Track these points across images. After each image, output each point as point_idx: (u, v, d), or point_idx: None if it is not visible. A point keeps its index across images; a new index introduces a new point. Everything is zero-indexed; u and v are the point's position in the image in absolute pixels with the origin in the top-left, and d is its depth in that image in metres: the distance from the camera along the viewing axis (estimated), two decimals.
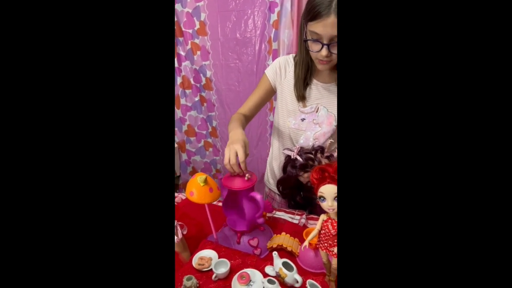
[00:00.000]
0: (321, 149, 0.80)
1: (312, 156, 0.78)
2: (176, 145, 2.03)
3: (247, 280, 0.60)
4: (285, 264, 0.61)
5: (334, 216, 0.57)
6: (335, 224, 0.56)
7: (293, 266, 0.61)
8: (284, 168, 0.82)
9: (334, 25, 0.65)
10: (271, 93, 0.92)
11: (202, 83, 1.81)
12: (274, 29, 1.55)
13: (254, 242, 0.74)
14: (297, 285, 0.60)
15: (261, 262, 0.68)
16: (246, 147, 0.69)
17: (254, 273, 0.63)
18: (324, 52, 0.70)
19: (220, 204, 0.90)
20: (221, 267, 0.64)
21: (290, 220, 0.88)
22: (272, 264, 0.64)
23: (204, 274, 0.64)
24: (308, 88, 0.86)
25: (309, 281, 0.60)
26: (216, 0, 1.59)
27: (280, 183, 0.85)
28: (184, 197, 1.01)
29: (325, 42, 0.69)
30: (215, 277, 0.62)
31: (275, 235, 0.78)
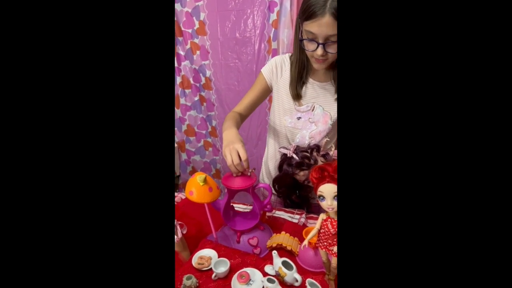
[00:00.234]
0: (317, 147, 0.80)
1: (308, 154, 0.78)
2: (175, 145, 2.03)
3: (247, 279, 0.60)
4: (284, 263, 0.61)
5: (333, 215, 0.57)
6: (335, 223, 0.56)
7: (292, 265, 0.62)
8: (280, 167, 0.82)
9: (329, 24, 0.65)
10: (267, 92, 0.92)
11: (202, 83, 1.81)
12: (273, 29, 1.55)
13: (253, 241, 0.74)
14: (296, 284, 0.60)
15: (260, 261, 0.68)
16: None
17: (253, 272, 0.63)
18: (319, 51, 0.71)
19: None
20: (221, 266, 0.64)
21: (289, 219, 0.88)
22: (271, 263, 0.64)
23: (204, 274, 0.64)
24: (304, 87, 0.86)
25: (308, 280, 0.60)
26: None
27: (276, 181, 0.86)
28: (183, 197, 1.01)
29: (320, 41, 0.69)
30: (215, 276, 0.62)
31: (274, 234, 0.78)
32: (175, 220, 0.68)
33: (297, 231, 0.78)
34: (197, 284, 0.61)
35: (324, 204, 0.56)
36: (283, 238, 0.74)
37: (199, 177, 0.67)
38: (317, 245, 0.61)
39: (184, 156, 2.10)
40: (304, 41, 0.73)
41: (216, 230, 0.77)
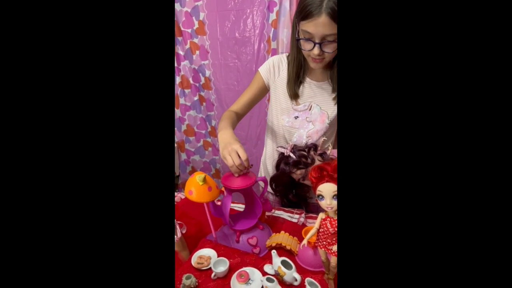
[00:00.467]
0: (314, 146, 0.80)
1: (305, 153, 0.78)
2: (175, 145, 2.03)
3: (246, 279, 0.60)
4: (284, 263, 0.61)
5: (332, 214, 0.57)
6: (334, 223, 0.57)
7: (292, 264, 0.62)
8: (278, 166, 0.82)
9: (325, 24, 0.66)
10: (265, 91, 0.93)
11: (201, 83, 1.81)
12: (273, 29, 1.55)
13: (253, 241, 0.74)
14: (295, 283, 0.61)
15: (260, 260, 0.68)
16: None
17: (253, 272, 0.63)
18: (316, 50, 0.71)
19: (219, 203, 0.90)
20: (220, 266, 0.64)
21: (289, 219, 0.88)
22: (271, 262, 0.64)
23: (203, 273, 0.64)
24: (301, 86, 0.87)
25: (307, 279, 0.61)
26: None
27: (273, 180, 0.86)
28: (183, 197, 1.01)
29: (317, 41, 0.69)
30: (214, 275, 0.62)
31: (274, 234, 0.78)
32: (175, 220, 0.68)
33: (297, 230, 0.78)
34: (197, 284, 0.61)
35: (323, 203, 0.56)
36: (282, 238, 0.74)
37: (198, 176, 0.67)
38: (316, 244, 0.61)
39: (183, 156, 2.10)
40: (301, 40, 0.73)
41: (216, 229, 0.77)
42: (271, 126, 0.96)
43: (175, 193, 1.03)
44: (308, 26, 0.68)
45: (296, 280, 0.60)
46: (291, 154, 0.78)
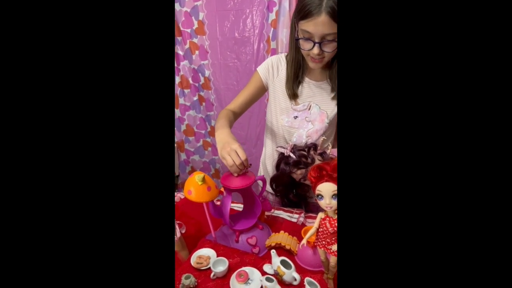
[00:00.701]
0: (314, 146, 0.80)
1: (305, 153, 0.79)
2: (175, 145, 2.03)
3: (245, 279, 0.60)
4: (283, 262, 0.61)
5: (331, 214, 0.57)
6: (333, 222, 0.57)
7: (291, 264, 0.62)
8: (278, 166, 0.83)
9: (325, 23, 0.66)
10: (263, 91, 0.92)
11: (201, 83, 1.81)
12: (272, 28, 1.55)
13: (252, 241, 0.74)
14: (295, 283, 0.61)
15: (259, 260, 0.68)
16: None
17: (252, 271, 0.63)
18: (315, 50, 0.71)
19: (219, 203, 0.90)
20: (220, 266, 0.64)
21: (288, 218, 0.88)
22: (270, 262, 0.64)
23: (203, 273, 0.64)
24: (300, 86, 0.87)
25: (307, 279, 0.61)
26: None
27: (273, 180, 0.86)
28: (182, 196, 1.01)
29: (316, 40, 0.69)
30: (214, 275, 0.62)
31: (273, 233, 0.78)
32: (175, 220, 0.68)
33: (296, 230, 0.78)
34: (196, 284, 0.61)
35: (322, 203, 0.56)
36: (282, 237, 0.74)
37: (197, 176, 0.67)
38: (315, 244, 0.61)
39: (183, 156, 2.10)
40: (300, 40, 0.73)
41: (215, 229, 0.77)
42: (270, 126, 0.96)
43: (175, 193, 1.03)
44: (308, 26, 0.68)
45: (295, 279, 0.60)
46: (291, 154, 0.78)
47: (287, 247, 0.72)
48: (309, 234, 0.61)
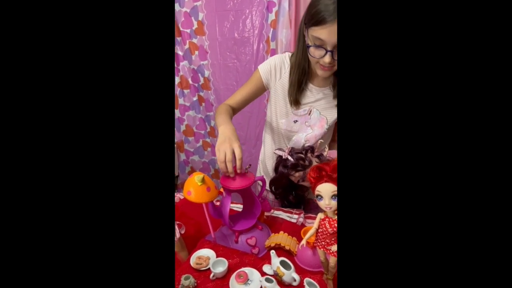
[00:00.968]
0: (311, 149, 0.81)
1: (302, 156, 0.79)
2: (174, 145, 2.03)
3: (245, 279, 0.60)
4: (282, 263, 0.61)
5: (331, 214, 0.57)
6: (332, 223, 0.57)
7: (290, 264, 0.62)
8: (276, 168, 0.83)
9: None
10: (262, 91, 0.90)
11: (200, 83, 1.81)
12: (272, 29, 1.55)
13: (252, 241, 0.74)
14: (294, 283, 0.61)
15: (259, 261, 0.68)
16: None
17: (252, 272, 0.63)
18: (327, 58, 0.69)
19: (218, 203, 0.90)
20: (219, 266, 0.64)
21: (288, 219, 0.88)
22: (270, 263, 0.64)
23: (202, 274, 0.64)
24: (302, 92, 0.85)
25: (306, 279, 0.61)
26: None
27: (272, 183, 0.86)
28: (182, 197, 1.01)
29: (329, 48, 0.67)
30: (213, 276, 0.62)
31: (273, 234, 0.78)
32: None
33: (296, 230, 0.78)
34: (195, 284, 0.61)
35: (322, 203, 0.56)
36: (281, 238, 0.74)
37: (197, 177, 0.66)
38: (315, 244, 0.61)
39: (182, 156, 2.09)
40: (311, 47, 0.70)
41: (214, 230, 0.77)
42: (270, 126, 0.96)
43: (174, 193, 1.03)
44: (321, 33, 0.66)
45: (295, 280, 0.60)
46: (289, 157, 0.79)
47: (287, 247, 0.72)
48: (309, 234, 0.61)
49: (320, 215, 0.59)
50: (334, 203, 0.55)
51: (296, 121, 0.89)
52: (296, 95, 0.84)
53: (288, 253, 0.72)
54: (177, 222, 0.72)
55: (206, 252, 0.69)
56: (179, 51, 1.75)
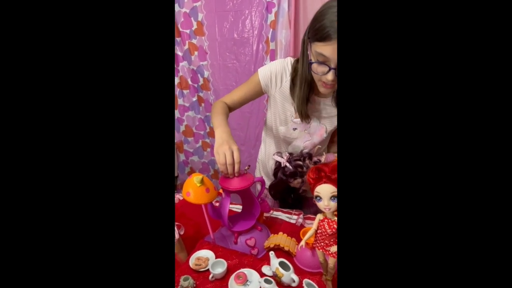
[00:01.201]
0: (309, 155, 0.81)
1: (301, 163, 0.80)
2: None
3: (244, 280, 0.60)
4: (281, 264, 0.61)
5: (330, 215, 0.57)
6: (331, 224, 0.57)
7: (289, 265, 0.62)
8: (275, 174, 0.84)
9: None
10: (259, 94, 0.89)
11: (200, 83, 1.81)
12: (271, 29, 1.55)
13: (251, 242, 0.74)
14: (293, 284, 0.60)
15: (258, 262, 0.68)
16: None
17: (251, 273, 0.63)
18: (330, 76, 0.66)
19: (218, 204, 0.90)
20: (218, 267, 0.64)
21: (287, 220, 0.88)
22: (269, 263, 0.64)
23: (201, 274, 0.64)
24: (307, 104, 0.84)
25: (305, 280, 0.61)
26: (214, 0, 1.59)
27: (271, 188, 0.87)
28: (181, 198, 1.01)
29: (332, 66, 0.65)
30: (212, 277, 0.62)
31: (272, 235, 0.78)
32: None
33: (295, 231, 0.78)
34: (194, 285, 0.61)
35: (320, 204, 0.56)
36: (280, 239, 0.74)
37: (196, 178, 0.66)
38: (314, 245, 0.61)
39: (182, 157, 2.09)
40: (314, 64, 0.68)
41: (214, 231, 0.77)
42: (270, 128, 0.96)
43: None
44: (325, 49, 0.63)
45: (294, 281, 0.60)
46: (287, 165, 0.79)
47: (286, 248, 0.72)
48: (308, 235, 0.61)
49: (319, 216, 0.59)
50: (333, 204, 0.55)
51: (295, 128, 0.88)
52: (305, 109, 0.81)
53: (287, 254, 0.72)
54: (176, 223, 0.72)
55: (205, 253, 0.69)
56: (178, 52, 1.75)
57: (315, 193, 0.56)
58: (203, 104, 1.87)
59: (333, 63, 0.64)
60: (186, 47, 1.72)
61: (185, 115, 1.93)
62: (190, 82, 1.83)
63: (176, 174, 2.13)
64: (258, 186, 1.08)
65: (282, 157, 0.81)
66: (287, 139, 0.91)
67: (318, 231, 0.60)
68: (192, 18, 1.65)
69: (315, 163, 0.80)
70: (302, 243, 0.62)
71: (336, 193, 0.54)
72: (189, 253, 0.71)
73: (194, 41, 1.71)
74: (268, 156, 1.01)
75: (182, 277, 0.60)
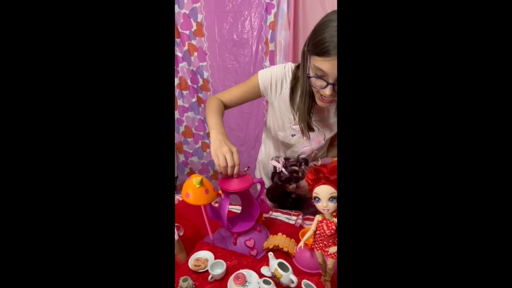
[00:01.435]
0: (305, 161, 0.82)
1: (296, 168, 0.80)
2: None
3: (243, 281, 0.60)
4: (280, 265, 0.62)
5: (329, 216, 0.57)
6: (330, 225, 0.57)
7: (288, 266, 0.62)
8: (272, 178, 0.85)
9: None
10: (257, 96, 0.88)
11: (199, 84, 1.81)
12: (271, 30, 1.55)
13: (250, 243, 0.74)
14: (292, 285, 0.61)
15: (257, 262, 0.68)
16: None
17: (250, 274, 0.63)
18: (327, 91, 0.66)
19: (217, 205, 0.90)
20: (217, 268, 0.64)
21: (286, 220, 0.89)
22: (268, 264, 0.64)
23: (200, 275, 0.64)
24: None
25: (304, 281, 0.61)
26: (213, 1, 1.59)
27: (269, 191, 0.88)
28: (180, 198, 1.01)
29: (330, 81, 0.64)
30: (211, 278, 0.62)
31: (271, 235, 0.78)
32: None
33: (294, 232, 0.79)
34: (194, 286, 0.61)
35: (319, 205, 0.56)
36: (279, 240, 0.74)
37: (195, 179, 0.67)
38: (313, 246, 0.61)
39: (181, 158, 2.09)
40: (312, 78, 0.68)
41: (213, 232, 0.77)
42: (269, 130, 0.96)
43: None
44: (323, 64, 0.63)
45: (292, 282, 0.60)
46: (283, 170, 0.80)
47: (285, 249, 0.72)
48: (307, 236, 0.61)
49: (318, 217, 0.59)
50: (331, 205, 0.55)
51: (294, 135, 0.88)
52: (310, 121, 0.81)
53: (286, 255, 0.72)
54: (176, 224, 0.72)
55: (205, 254, 0.70)
56: (178, 53, 1.75)
57: (314, 194, 0.56)
58: (202, 105, 1.87)
59: (331, 78, 0.64)
60: (186, 48, 1.72)
61: (184, 116, 1.94)
62: (189, 83, 1.83)
63: (175, 175, 2.13)
64: (258, 187, 1.08)
65: (279, 162, 0.82)
66: (285, 144, 0.92)
67: (316, 232, 0.60)
68: (191, 19, 1.66)
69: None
70: (301, 244, 0.62)
71: (334, 194, 0.54)
72: (189, 254, 0.71)
73: (193, 42, 1.71)
74: (268, 157, 1.02)
75: (182, 278, 0.60)
